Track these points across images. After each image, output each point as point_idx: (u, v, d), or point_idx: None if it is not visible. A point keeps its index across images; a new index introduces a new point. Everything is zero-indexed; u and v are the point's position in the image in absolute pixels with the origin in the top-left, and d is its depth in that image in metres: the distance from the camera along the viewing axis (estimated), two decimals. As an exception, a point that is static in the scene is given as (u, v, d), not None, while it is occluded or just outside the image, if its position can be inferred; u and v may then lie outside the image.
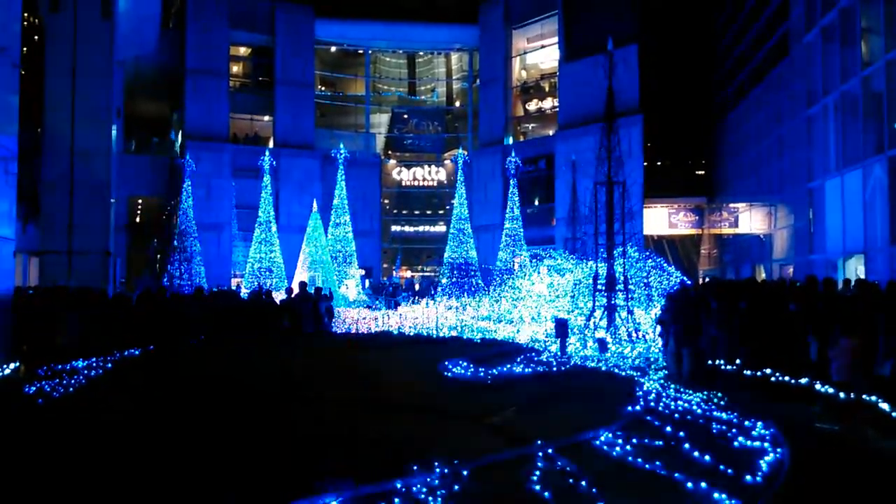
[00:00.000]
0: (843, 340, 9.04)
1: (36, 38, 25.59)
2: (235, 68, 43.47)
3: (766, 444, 6.99)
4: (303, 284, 18.37)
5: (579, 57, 36.94)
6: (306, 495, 4.96)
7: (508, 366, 10.91)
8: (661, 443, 6.87)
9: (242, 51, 44.26)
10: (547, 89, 44.26)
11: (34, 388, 8.44)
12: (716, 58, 42.96)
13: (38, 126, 24.29)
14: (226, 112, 39.08)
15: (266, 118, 42.26)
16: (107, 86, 25.37)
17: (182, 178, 28.84)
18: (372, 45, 47.55)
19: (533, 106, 44.98)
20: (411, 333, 18.62)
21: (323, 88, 47.75)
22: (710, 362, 11.73)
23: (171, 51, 38.53)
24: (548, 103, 43.77)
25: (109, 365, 10.31)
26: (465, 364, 10.65)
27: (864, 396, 8.43)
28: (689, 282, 18.74)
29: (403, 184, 48.70)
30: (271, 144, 40.58)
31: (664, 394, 9.44)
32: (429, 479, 5.44)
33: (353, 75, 49.34)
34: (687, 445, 6.75)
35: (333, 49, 47.22)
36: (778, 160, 31.12)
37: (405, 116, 50.17)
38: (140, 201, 38.82)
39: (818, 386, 9.17)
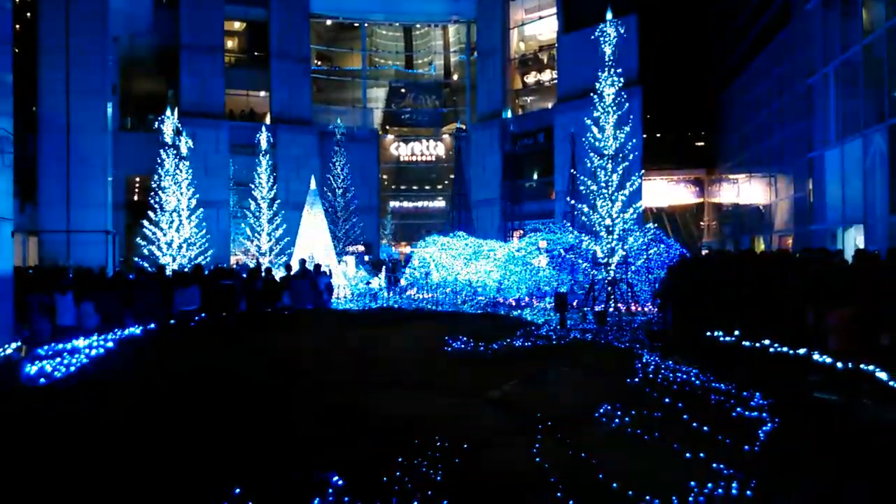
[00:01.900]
0: (833, 311, 9.10)
1: (28, 14, 25.30)
2: (230, 43, 43.05)
3: (763, 414, 7.04)
4: (302, 261, 18.36)
5: (578, 28, 36.53)
6: (310, 469, 5.00)
7: (508, 340, 10.94)
8: (659, 414, 6.92)
9: (237, 25, 43.78)
10: (545, 61, 43.85)
11: (35, 368, 8.48)
12: (716, 27, 42.50)
13: (32, 104, 24.14)
14: (221, 88, 38.78)
15: (262, 94, 41.95)
16: (101, 63, 25.16)
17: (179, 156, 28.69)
18: (367, 18, 47.03)
19: (531, 78, 44.61)
20: (411, 309, 18.68)
21: (319, 63, 47.34)
22: (708, 334, 11.79)
23: (165, 27, 38.11)
24: (546, 75, 43.40)
25: (111, 344, 10.34)
26: (465, 339, 10.68)
27: (862, 366, 8.47)
28: (688, 254, 18.76)
29: (401, 159, 48.50)
30: (268, 120, 40.34)
31: (663, 365, 9.49)
32: (430, 453, 5.48)
33: (348, 49, 48.90)
34: (685, 416, 6.80)
35: (329, 22, 46.71)
36: (778, 130, 30.94)
37: (402, 90, 49.80)
38: (138, 179, 38.69)
39: (816, 356, 9.21)
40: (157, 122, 35.09)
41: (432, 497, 4.74)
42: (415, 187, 48.81)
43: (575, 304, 18.08)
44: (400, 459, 5.32)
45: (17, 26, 20.86)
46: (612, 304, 17.91)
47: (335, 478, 4.93)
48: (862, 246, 19.53)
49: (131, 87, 38.55)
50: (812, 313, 9.78)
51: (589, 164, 19.75)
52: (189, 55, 37.66)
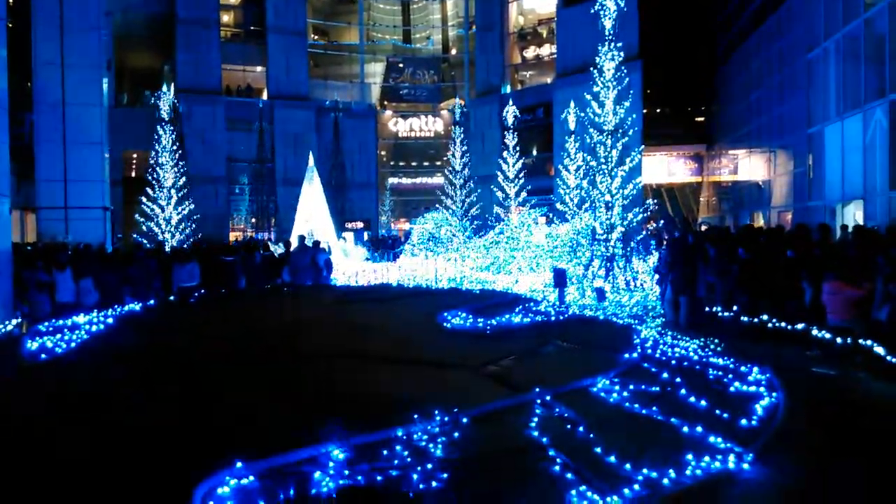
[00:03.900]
0: (826, 285, 9.13)
1: (20, -12, 24.95)
2: (226, 17, 42.57)
3: (761, 389, 7.09)
4: (301, 238, 18.34)
5: (578, 2, 36.16)
6: (309, 444, 5.04)
7: (507, 316, 10.96)
8: (657, 389, 6.96)
9: (233, -1, 43.33)
10: (545, 35, 43.45)
11: (36, 345, 8.50)
12: (717, 0, 42.08)
13: (27, 80, 23.91)
14: (218, 63, 38.44)
15: (259, 69, 41.59)
16: (96, 38, 24.84)
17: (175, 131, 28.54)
18: (365, -9, 46.55)
19: (531, 53, 44.22)
20: (410, 286, 18.70)
21: (316, 37, 46.85)
22: (707, 309, 11.83)
23: (160, 0, 37.68)
24: (546, 50, 43.02)
25: (111, 320, 10.36)
26: (464, 315, 10.70)
27: (860, 341, 8.51)
28: (677, 233, 18.77)
29: (400, 135, 48.22)
30: (265, 96, 40.05)
31: (661, 341, 9.53)
32: (429, 427, 5.52)
33: (346, 23, 48.37)
34: (683, 391, 6.84)
35: (326, -5, 46.23)
36: (778, 105, 30.77)
37: (400, 65, 49.35)
38: (135, 155, 38.49)
39: (815, 331, 9.25)
40: (153, 98, 34.93)
41: (431, 471, 4.78)
42: (413, 163, 48.58)
43: (573, 279, 18.09)
44: (399, 434, 5.36)
45: (10, 1, 20.61)
46: (611, 280, 17.92)
47: (335, 451, 4.96)
48: (861, 221, 19.53)
49: (126, 62, 38.18)
50: (810, 289, 9.80)
51: (588, 140, 19.65)
52: (184, 29, 37.26)
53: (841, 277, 9.04)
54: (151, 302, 12.64)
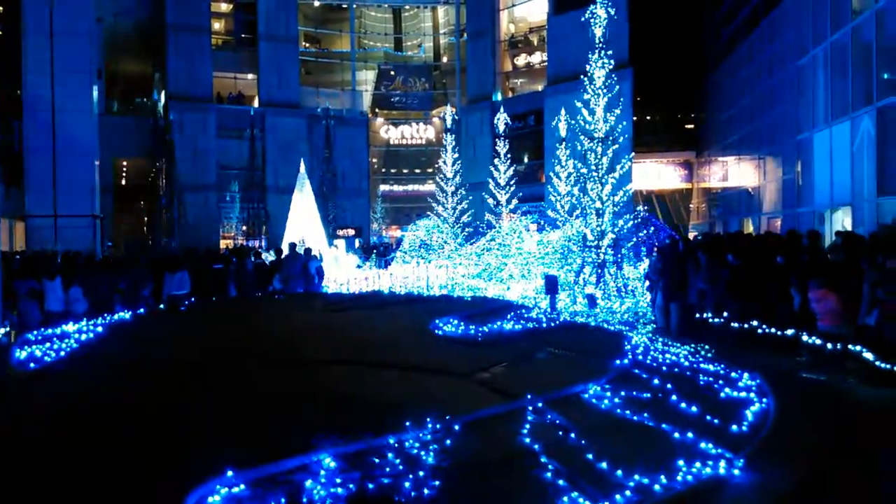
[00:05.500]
0: (811, 293, 9.19)
1: (10, -5, 24.89)
2: (217, 25, 42.57)
3: (751, 395, 7.12)
4: (292, 245, 18.30)
5: (568, 9, 36.35)
6: (301, 452, 5.02)
7: (499, 323, 10.96)
8: (648, 395, 6.98)
9: (224, 6, 43.28)
10: (535, 43, 43.66)
11: (25, 353, 8.43)
12: (707, 8, 42.41)
13: (17, 88, 23.84)
14: (209, 70, 38.39)
15: (250, 76, 41.57)
16: (86, 45, 24.81)
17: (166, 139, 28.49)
18: (356, -1, 46.65)
19: (521, 60, 44.41)
20: (402, 292, 18.68)
21: (307, 45, 46.89)
22: (697, 316, 11.88)
23: (151, 7, 37.63)
24: (536, 57, 43.23)
25: (100, 329, 10.29)
26: (455, 322, 10.69)
27: (849, 346, 8.57)
28: (677, 236, 18.84)
29: (391, 142, 48.26)
30: (256, 103, 40.02)
31: (652, 347, 9.56)
32: (421, 434, 5.51)
33: (337, 31, 48.44)
34: (674, 397, 6.86)
35: (317, 3, 46.24)
36: (768, 112, 30.99)
37: (392, 73, 49.45)
38: (125, 163, 38.36)
39: (805, 337, 9.31)
40: (143, 105, 34.88)
41: (423, 478, 4.77)
42: (405, 171, 48.62)
43: (565, 286, 18.14)
44: (390, 441, 5.35)
45: (1, 8, 20.55)
46: (602, 287, 17.98)
47: (326, 459, 4.95)
48: (850, 227, 19.67)
49: (116, 69, 38.09)
50: (798, 295, 9.86)
51: (579, 147, 19.71)
52: (175, 36, 37.21)
53: (826, 284, 9.10)
54: (141, 310, 12.57)
